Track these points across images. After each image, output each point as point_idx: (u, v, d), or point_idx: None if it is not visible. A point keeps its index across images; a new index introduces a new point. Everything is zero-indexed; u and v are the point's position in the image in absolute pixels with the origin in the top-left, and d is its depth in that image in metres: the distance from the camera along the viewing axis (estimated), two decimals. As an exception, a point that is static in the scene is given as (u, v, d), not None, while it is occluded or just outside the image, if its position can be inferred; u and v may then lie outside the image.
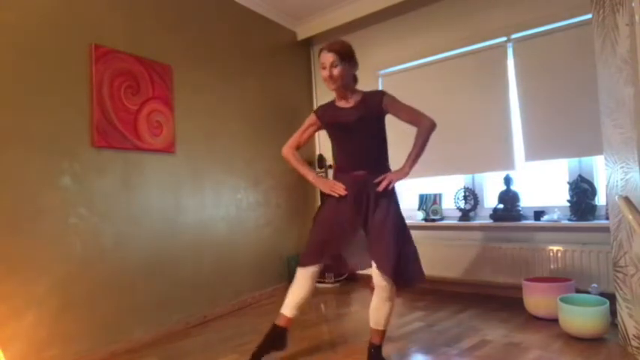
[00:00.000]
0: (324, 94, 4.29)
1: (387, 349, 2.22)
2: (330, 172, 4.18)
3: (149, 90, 2.76)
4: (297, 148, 2.26)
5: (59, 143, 2.30)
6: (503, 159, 3.16)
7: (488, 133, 3.21)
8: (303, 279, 2.09)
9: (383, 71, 3.83)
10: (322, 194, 2.16)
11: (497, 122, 3.18)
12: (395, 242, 1.94)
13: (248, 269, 3.41)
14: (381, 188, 2.02)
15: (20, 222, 2.12)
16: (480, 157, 3.27)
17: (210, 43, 3.27)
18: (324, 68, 2.03)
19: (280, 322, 2.15)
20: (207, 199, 3.14)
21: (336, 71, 2.00)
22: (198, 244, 3.03)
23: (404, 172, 2.10)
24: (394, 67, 3.76)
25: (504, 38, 3.14)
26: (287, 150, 2.25)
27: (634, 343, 1.96)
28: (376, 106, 2.07)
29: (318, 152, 4.22)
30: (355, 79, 2.15)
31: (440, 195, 3.60)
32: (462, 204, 3.39)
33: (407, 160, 2.13)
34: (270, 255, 3.62)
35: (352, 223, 2.05)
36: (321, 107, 2.22)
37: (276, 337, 2.14)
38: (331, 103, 2.18)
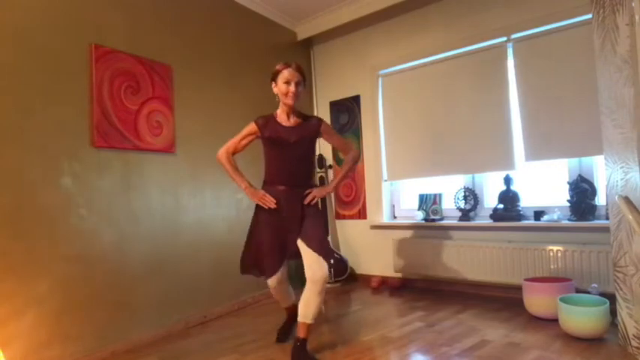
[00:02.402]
0: (324, 94, 4.30)
1: (387, 349, 2.22)
2: (331, 172, 4.19)
3: (149, 90, 2.76)
4: (234, 154, 2.31)
5: (59, 143, 2.30)
6: (503, 159, 3.16)
7: (488, 133, 3.21)
8: (277, 284, 2.32)
9: (383, 71, 3.83)
10: (256, 206, 2.31)
11: (497, 122, 3.18)
12: (325, 241, 2.22)
13: (248, 269, 3.40)
14: (306, 202, 2.24)
15: (20, 222, 2.12)
16: (480, 157, 3.27)
17: (210, 43, 3.27)
18: (287, 83, 2.16)
19: (287, 312, 2.53)
20: (207, 199, 3.14)
21: (299, 89, 2.19)
22: (198, 244, 3.03)
23: (326, 191, 2.34)
24: (394, 67, 3.76)
25: (504, 38, 3.14)
26: (223, 154, 2.30)
27: (634, 343, 1.96)
28: (314, 129, 2.29)
29: (318, 152, 4.22)
30: None
31: (440, 195, 3.60)
32: (462, 204, 3.39)
33: (332, 181, 2.48)
34: (270, 255, 3.62)
35: (286, 230, 2.23)
36: (263, 119, 2.27)
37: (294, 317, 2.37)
38: (272, 118, 2.28)
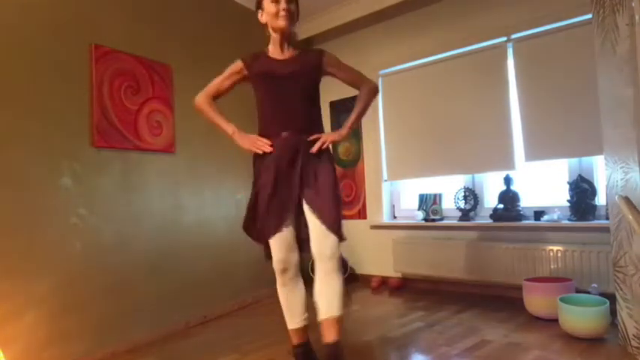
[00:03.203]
0: (323, 94, 4.28)
1: (387, 349, 2.22)
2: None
3: (149, 90, 2.76)
4: (215, 98, 1.93)
5: (59, 143, 2.30)
6: (503, 159, 3.16)
7: (489, 133, 3.21)
8: (286, 274, 1.81)
9: (383, 71, 3.83)
10: (253, 163, 1.89)
11: (498, 122, 3.18)
12: (338, 204, 1.78)
13: (248, 269, 3.40)
14: (314, 149, 1.79)
15: (20, 222, 2.12)
16: (479, 157, 3.27)
17: (210, 43, 3.27)
18: (276, 2, 1.75)
19: (295, 340, 1.85)
20: (207, 199, 3.14)
21: (292, 6, 1.78)
22: (198, 244, 3.03)
23: (339, 134, 1.90)
24: (394, 67, 3.76)
25: (504, 38, 3.14)
26: (202, 98, 1.90)
27: (634, 343, 1.96)
28: (315, 61, 1.87)
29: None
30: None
31: (440, 195, 3.60)
32: (462, 204, 3.39)
33: (346, 122, 1.92)
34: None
35: (291, 186, 1.78)
36: (250, 55, 1.89)
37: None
38: (262, 53, 1.89)
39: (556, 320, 2.35)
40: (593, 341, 2.17)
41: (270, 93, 1.84)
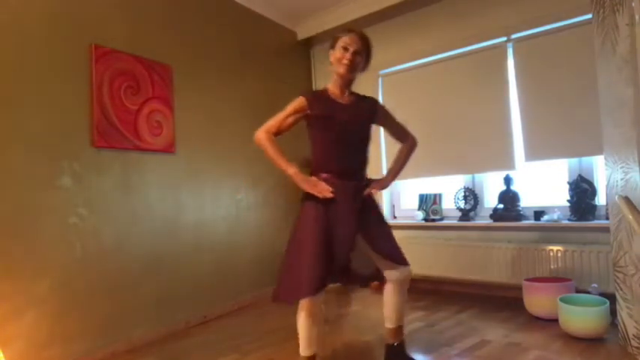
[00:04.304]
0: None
1: (387, 349, 2.22)
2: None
3: (149, 90, 2.76)
4: (276, 134, 1.91)
5: (59, 143, 2.30)
6: (503, 159, 3.16)
7: (489, 133, 3.21)
8: (316, 309, 1.77)
9: (383, 71, 3.83)
10: (302, 200, 1.89)
11: (498, 122, 3.18)
12: (396, 241, 1.95)
13: (248, 269, 3.41)
14: (366, 193, 1.91)
15: (20, 222, 2.12)
16: (480, 157, 3.27)
17: (210, 43, 3.27)
18: (345, 49, 1.85)
19: None
20: (207, 199, 3.14)
21: (357, 58, 1.88)
22: (198, 244, 3.03)
23: (386, 183, 2.04)
24: (394, 67, 3.76)
25: (504, 38, 3.14)
26: (264, 134, 1.88)
27: (634, 343, 1.96)
28: (370, 111, 1.98)
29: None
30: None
31: (440, 195, 3.60)
32: (462, 204, 3.39)
33: (389, 174, 2.07)
34: (270, 255, 3.62)
35: (350, 229, 1.82)
36: (312, 93, 1.97)
37: None
38: (324, 92, 1.94)
39: (556, 320, 2.35)
40: (593, 341, 2.17)
41: (327, 135, 1.89)
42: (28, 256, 2.13)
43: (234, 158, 3.40)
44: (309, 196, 1.84)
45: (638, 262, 1.88)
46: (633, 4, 1.80)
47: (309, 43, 4.30)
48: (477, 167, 3.31)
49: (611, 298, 2.21)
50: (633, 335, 1.96)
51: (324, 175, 1.86)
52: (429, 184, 3.72)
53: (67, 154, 2.33)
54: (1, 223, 2.05)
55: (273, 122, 1.91)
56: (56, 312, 2.21)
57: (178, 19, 3.04)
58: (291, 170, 1.84)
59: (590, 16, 2.38)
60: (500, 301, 2.99)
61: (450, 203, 3.49)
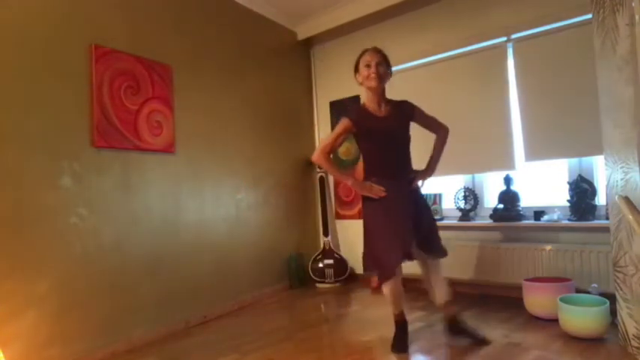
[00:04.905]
0: (324, 94, 4.29)
1: (386, 349, 2.22)
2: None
3: (149, 90, 2.76)
4: (330, 153, 2.27)
5: (59, 143, 2.30)
6: (503, 159, 3.15)
7: (489, 133, 3.21)
8: (397, 283, 2.17)
9: (383, 71, 3.82)
10: (363, 201, 2.26)
11: (498, 122, 3.18)
12: (438, 231, 2.31)
13: (248, 269, 3.41)
14: (414, 184, 2.26)
15: (20, 222, 2.12)
16: (480, 157, 3.27)
17: (210, 43, 3.27)
18: (368, 66, 2.19)
19: (399, 316, 2.29)
20: (207, 199, 3.14)
21: (381, 69, 2.19)
22: (198, 244, 3.03)
23: (429, 174, 2.33)
24: (394, 67, 3.72)
25: (504, 38, 3.13)
26: (321, 155, 2.24)
27: (634, 343, 1.96)
28: (408, 114, 2.29)
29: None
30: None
31: (440, 195, 3.60)
32: (462, 204, 3.39)
33: (430, 163, 2.35)
34: (270, 255, 3.62)
35: (406, 216, 2.16)
36: (355, 112, 2.27)
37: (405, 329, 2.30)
38: (363, 109, 2.26)
39: (556, 320, 2.35)
40: (593, 341, 2.17)
41: (374, 146, 2.23)
42: (28, 256, 2.13)
43: (234, 158, 3.40)
44: (368, 197, 2.20)
45: (638, 262, 1.88)
46: (633, 4, 1.80)
47: (309, 43, 4.30)
48: (477, 167, 3.31)
49: (611, 298, 2.21)
50: (633, 335, 1.96)
51: (375, 179, 2.20)
52: (429, 184, 3.71)
53: (67, 154, 2.33)
54: (1, 223, 2.05)
55: (326, 143, 2.26)
56: (56, 312, 2.21)
57: (178, 19, 3.04)
58: (350, 180, 2.27)
59: (590, 16, 2.38)
60: (500, 301, 2.99)
61: (450, 203, 3.49)
